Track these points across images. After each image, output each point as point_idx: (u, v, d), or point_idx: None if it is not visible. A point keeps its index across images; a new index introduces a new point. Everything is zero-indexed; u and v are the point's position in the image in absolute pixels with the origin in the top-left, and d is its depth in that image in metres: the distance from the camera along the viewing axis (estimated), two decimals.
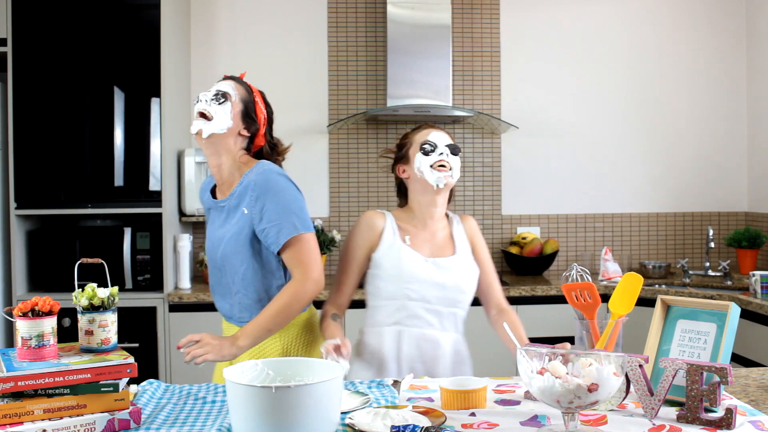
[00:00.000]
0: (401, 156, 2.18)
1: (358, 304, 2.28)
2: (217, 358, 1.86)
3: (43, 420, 1.40)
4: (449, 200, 2.21)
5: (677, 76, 4.32)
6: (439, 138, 2.12)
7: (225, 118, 1.96)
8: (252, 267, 1.97)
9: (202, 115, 1.97)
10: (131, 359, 1.50)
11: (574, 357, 1.41)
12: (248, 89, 2.05)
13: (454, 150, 2.11)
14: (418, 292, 2.06)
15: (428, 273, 2.06)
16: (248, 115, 2.02)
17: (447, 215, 2.22)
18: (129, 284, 3.51)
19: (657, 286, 3.83)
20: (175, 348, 3.39)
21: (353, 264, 2.13)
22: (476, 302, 3.56)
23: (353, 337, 2.15)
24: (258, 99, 2.06)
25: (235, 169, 2.02)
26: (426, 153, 2.08)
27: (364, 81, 4.16)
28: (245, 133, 2.02)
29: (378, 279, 2.10)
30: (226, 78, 2.06)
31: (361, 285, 2.18)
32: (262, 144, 2.08)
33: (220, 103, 1.96)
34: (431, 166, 2.07)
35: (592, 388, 1.35)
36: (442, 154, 2.08)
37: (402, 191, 2.23)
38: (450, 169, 2.08)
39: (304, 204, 1.97)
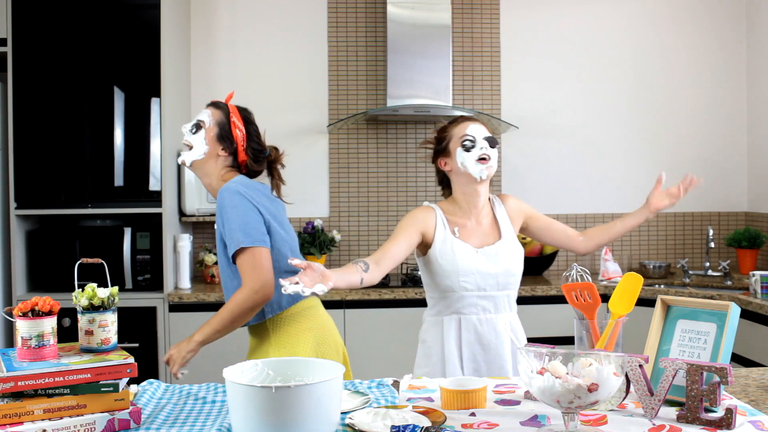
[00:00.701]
0: (441, 149, 2.25)
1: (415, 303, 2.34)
2: (182, 361, 2.14)
3: (43, 420, 1.40)
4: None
5: (677, 76, 4.32)
6: (478, 131, 2.20)
7: (200, 145, 2.21)
8: (229, 275, 2.18)
9: (186, 145, 2.24)
10: (131, 359, 1.50)
11: (574, 357, 1.41)
12: (226, 112, 2.26)
13: (492, 143, 2.19)
14: (473, 283, 2.16)
15: (480, 264, 2.17)
16: (224, 137, 2.23)
17: (489, 199, 2.31)
18: (129, 284, 3.51)
19: (657, 286, 3.83)
20: None
21: (401, 233, 2.17)
22: None
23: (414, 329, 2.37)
24: (235, 119, 2.24)
25: (219, 186, 2.19)
26: (467, 149, 2.17)
27: (364, 81, 4.16)
28: (224, 153, 2.23)
29: (435, 275, 2.19)
30: (208, 105, 2.29)
31: (416, 282, 2.20)
32: (245, 159, 2.25)
33: (194, 133, 2.22)
34: (475, 161, 2.15)
35: (592, 388, 1.35)
36: (482, 148, 2.16)
37: (445, 182, 2.32)
38: (490, 160, 2.17)
39: (252, 218, 2.10)
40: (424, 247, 2.22)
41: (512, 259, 2.22)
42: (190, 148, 2.22)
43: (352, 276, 1.94)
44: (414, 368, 2.27)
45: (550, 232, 2.34)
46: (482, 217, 2.25)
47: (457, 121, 2.26)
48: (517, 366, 1.87)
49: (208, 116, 2.24)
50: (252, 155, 2.26)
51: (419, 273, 3.91)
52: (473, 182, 2.19)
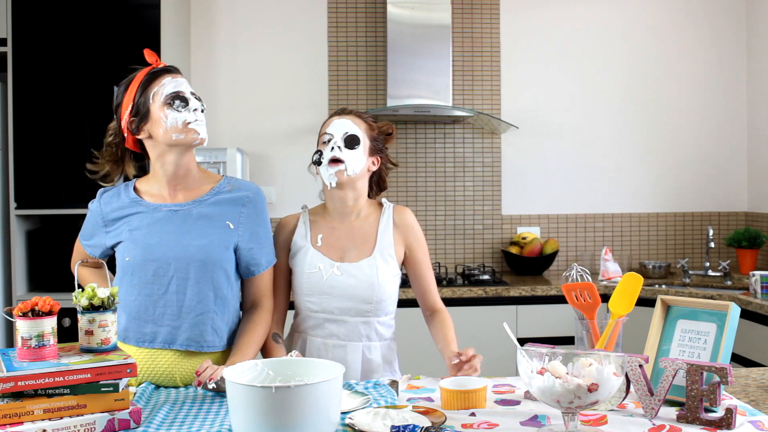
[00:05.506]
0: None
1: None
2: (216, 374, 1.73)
3: (43, 420, 1.40)
4: (380, 189, 2.09)
5: (677, 76, 4.32)
6: (339, 127, 1.94)
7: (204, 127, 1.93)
8: (229, 283, 1.88)
9: (198, 121, 1.89)
10: (131, 359, 1.50)
11: (574, 357, 1.41)
12: None
13: (350, 142, 1.92)
14: (319, 305, 1.96)
15: (330, 284, 1.94)
16: None
17: (381, 204, 2.06)
18: None
19: (657, 286, 3.83)
20: None
21: (277, 275, 2.00)
22: (474, 303, 3.57)
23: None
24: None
25: (199, 178, 1.93)
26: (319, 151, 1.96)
27: (364, 81, 4.16)
28: None
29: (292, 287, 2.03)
30: (179, 73, 2.05)
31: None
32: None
33: (203, 111, 1.91)
34: (326, 164, 1.93)
35: (592, 388, 1.35)
36: (334, 148, 1.91)
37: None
38: (342, 163, 1.91)
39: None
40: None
41: (373, 285, 1.92)
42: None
43: (279, 353, 1.90)
44: None
45: (415, 280, 2.06)
46: (357, 225, 2.00)
47: (330, 116, 2.02)
48: None
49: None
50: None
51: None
52: (327, 188, 1.97)
